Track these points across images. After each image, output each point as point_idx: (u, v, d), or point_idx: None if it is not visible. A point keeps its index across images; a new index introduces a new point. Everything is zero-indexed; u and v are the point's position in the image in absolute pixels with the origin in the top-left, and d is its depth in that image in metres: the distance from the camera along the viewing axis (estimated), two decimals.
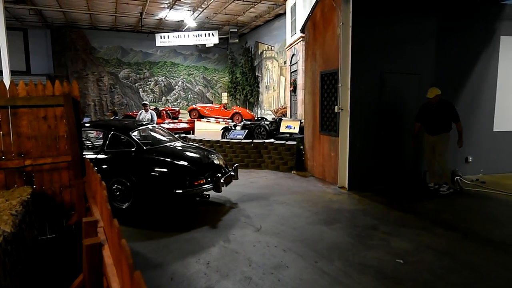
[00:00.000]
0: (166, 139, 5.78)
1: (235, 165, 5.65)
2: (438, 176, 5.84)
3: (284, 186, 6.34)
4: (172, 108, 19.47)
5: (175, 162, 4.84)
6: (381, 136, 6.09)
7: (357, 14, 5.64)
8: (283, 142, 7.94)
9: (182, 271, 3.21)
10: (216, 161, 5.30)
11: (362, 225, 4.32)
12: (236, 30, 19.37)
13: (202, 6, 15.69)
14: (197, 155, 5.21)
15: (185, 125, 13.85)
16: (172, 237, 4.02)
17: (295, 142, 7.71)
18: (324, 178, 6.70)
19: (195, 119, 16.08)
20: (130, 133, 5.17)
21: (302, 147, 7.72)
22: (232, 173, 5.41)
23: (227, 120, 16.61)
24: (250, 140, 8.36)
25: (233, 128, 10.43)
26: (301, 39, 11.42)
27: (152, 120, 9.22)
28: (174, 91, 22.87)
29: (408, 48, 6.13)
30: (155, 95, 22.33)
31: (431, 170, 5.93)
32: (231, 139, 8.69)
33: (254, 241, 3.85)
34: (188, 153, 5.25)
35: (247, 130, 9.25)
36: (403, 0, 6.04)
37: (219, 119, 17.21)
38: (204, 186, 4.80)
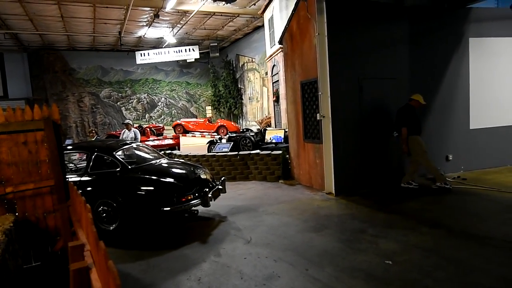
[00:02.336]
0: (151, 157, 5.75)
1: (222, 179, 5.66)
2: (413, 174, 6.11)
3: (272, 196, 6.37)
4: (156, 125, 19.34)
5: (161, 179, 4.82)
6: (363, 141, 6.23)
7: (332, 24, 5.82)
8: (269, 152, 8.00)
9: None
10: (203, 176, 5.30)
11: (351, 229, 4.39)
12: (216, 44, 19.55)
13: (181, 22, 15.83)
14: (183, 171, 5.20)
15: (170, 141, 13.77)
16: (162, 256, 3.97)
17: (280, 152, 7.78)
18: (311, 185, 6.77)
19: (180, 135, 16.01)
20: (114, 153, 5.13)
21: (288, 156, 7.80)
22: (220, 187, 5.42)
23: (213, 134, 16.59)
24: (236, 152, 8.39)
25: (218, 141, 10.44)
26: (280, 50, 11.63)
27: (135, 139, 9.14)
28: (157, 108, 22.76)
29: (383, 54, 6.35)
30: (138, 112, 22.16)
31: (434, 166, 5.99)
32: (217, 152, 8.70)
33: (245, 253, 3.85)
34: (174, 170, 5.23)
35: (232, 143, 9.27)
36: (375, 8, 6.28)
37: (204, 133, 17.17)
38: (192, 202, 4.78)
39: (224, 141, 10.36)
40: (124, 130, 9.59)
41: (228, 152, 8.60)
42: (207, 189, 5.00)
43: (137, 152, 5.90)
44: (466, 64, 7.04)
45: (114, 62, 21.34)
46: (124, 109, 21.83)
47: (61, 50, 19.68)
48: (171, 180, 4.84)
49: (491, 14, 7.24)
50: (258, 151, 8.32)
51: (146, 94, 22.40)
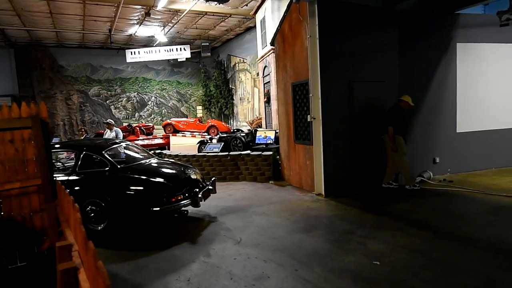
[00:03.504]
0: (141, 156, 5.70)
1: (212, 179, 5.65)
2: (391, 175, 6.30)
3: (262, 197, 6.38)
4: (146, 124, 19.14)
5: (151, 179, 4.79)
6: (353, 143, 6.30)
7: (324, 27, 5.87)
8: (260, 153, 8.02)
9: None
10: (193, 176, 5.28)
11: (340, 230, 4.43)
12: (208, 44, 19.48)
13: (172, 21, 15.72)
14: (174, 171, 5.17)
15: (160, 141, 13.66)
16: (151, 256, 3.94)
17: (271, 153, 7.80)
18: (302, 187, 6.80)
19: (170, 134, 15.89)
20: (103, 152, 5.06)
21: (278, 157, 7.83)
22: (210, 187, 5.40)
23: (203, 134, 16.53)
24: (227, 153, 8.38)
25: (209, 141, 10.41)
26: (272, 51, 11.65)
27: (117, 138, 9.02)
28: (147, 107, 22.55)
29: (373, 57, 6.43)
30: (127, 111, 21.91)
31: (409, 170, 6.16)
32: (208, 152, 8.67)
33: (235, 254, 3.85)
34: (164, 170, 5.20)
35: (223, 143, 9.26)
36: (366, 12, 6.35)
37: (194, 133, 17.09)
38: (182, 202, 4.76)
39: (214, 141, 10.33)
40: (106, 130, 9.44)
41: (218, 152, 8.58)
42: (197, 190, 4.98)
43: (126, 151, 5.84)
44: (454, 68, 7.19)
45: (103, 60, 21.06)
46: (113, 107, 21.56)
47: (49, 47, 19.32)
48: (161, 180, 4.81)
49: (478, 20, 7.41)
50: (248, 151, 8.33)
51: (136, 93, 22.17)
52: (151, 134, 16.76)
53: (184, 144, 14.93)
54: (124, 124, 18.83)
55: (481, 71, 7.37)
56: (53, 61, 19.69)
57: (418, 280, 3.08)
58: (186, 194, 4.87)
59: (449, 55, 7.11)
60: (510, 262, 3.35)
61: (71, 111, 20.22)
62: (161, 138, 14.07)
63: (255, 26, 15.33)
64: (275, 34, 7.62)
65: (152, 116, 22.54)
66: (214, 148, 8.96)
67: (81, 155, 4.99)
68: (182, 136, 17.18)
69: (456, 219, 4.68)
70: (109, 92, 21.43)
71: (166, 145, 13.23)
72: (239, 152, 8.33)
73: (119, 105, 21.72)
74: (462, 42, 7.17)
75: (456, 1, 7.21)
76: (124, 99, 21.84)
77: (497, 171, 7.28)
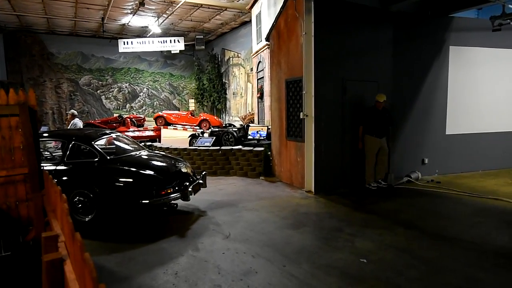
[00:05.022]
0: (131, 148, 5.63)
1: (203, 173, 5.62)
2: (375, 175, 6.34)
3: (252, 192, 6.39)
4: (137, 116, 18.96)
5: (141, 171, 4.74)
6: (344, 141, 6.34)
7: (319, 24, 5.87)
8: (251, 148, 8.01)
9: (150, 283, 3.14)
10: (183, 169, 5.25)
11: (328, 227, 4.47)
12: (202, 36, 19.31)
13: (167, 12, 15.52)
14: (164, 164, 5.13)
15: (151, 133, 13.51)
16: (139, 249, 3.92)
17: (262, 148, 7.80)
18: (292, 183, 6.83)
19: (162, 127, 15.76)
20: (93, 142, 4.99)
21: (269, 153, 7.83)
22: (201, 181, 5.38)
23: (195, 127, 16.45)
24: (218, 147, 8.35)
25: (200, 135, 10.35)
26: (266, 46, 11.62)
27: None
28: (139, 98, 22.31)
29: (367, 57, 6.46)
30: (118, 102, 21.65)
31: (371, 171, 6.30)
32: (199, 146, 8.63)
33: (223, 249, 3.86)
34: (154, 162, 5.15)
35: (214, 137, 9.22)
36: (361, 11, 6.37)
37: (186, 126, 17.00)
38: (172, 196, 4.73)
39: (206, 135, 10.28)
40: (73, 120, 9.23)
41: (210, 146, 8.55)
42: (187, 183, 4.96)
43: (116, 142, 5.77)
44: (446, 71, 7.27)
45: (95, 49, 20.71)
46: (104, 97, 21.27)
47: (39, 33, 18.91)
48: (151, 172, 4.77)
49: (471, 24, 7.50)
50: (240, 147, 8.32)
51: (127, 84, 21.90)
52: (142, 126, 16.60)
53: (175, 137, 14.83)
54: (115, 115, 18.61)
55: (472, 75, 7.48)
56: (43, 48, 19.30)
57: (403, 278, 3.13)
58: (176, 188, 4.84)
59: (442, 57, 7.19)
60: (493, 262, 3.42)
61: (61, 99, 19.89)
62: (152, 130, 13.92)
63: (250, 21, 15.25)
64: (270, 30, 7.59)
65: (144, 107, 22.32)
66: (206, 142, 8.92)
67: (70, 145, 4.91)
68: (174, 129, 17.07)
69: (442, 219, 4.77)
70: (100, 82, 21.12)
71: (157, 138, 13.10)
72: (231, 147, 8.31)
73: (110, 96, 21.44)
74: (455, 45, 7.25)
75: (450, 5, 7.28)
76: (116, 89, 21.56)
77: (483, 174, 7.42)
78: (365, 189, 6.28)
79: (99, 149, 4.95)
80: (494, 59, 7.55)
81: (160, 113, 18.87)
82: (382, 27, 6.58)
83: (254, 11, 14.10)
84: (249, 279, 3.16)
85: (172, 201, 4.93)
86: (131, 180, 4.64)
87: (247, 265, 3.43)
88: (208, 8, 15.23)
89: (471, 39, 7.36)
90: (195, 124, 17.08)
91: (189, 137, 10.58)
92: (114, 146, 5.45)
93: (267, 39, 7.99)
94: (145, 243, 4.07)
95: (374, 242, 3.95)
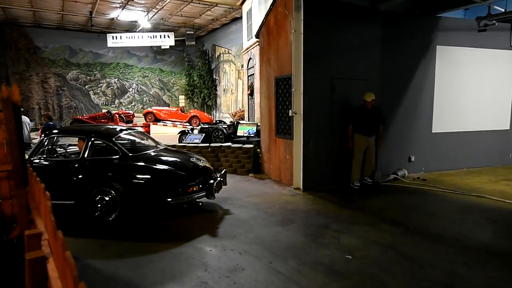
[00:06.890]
0: (151, 144, 5.59)
1: (223, 171, 5.61)
2: (362, 173, 6.43)
3: (241, 189, 6.40)
4: (126, 112, 18.75)
5: (169, 169, 4.70)
6: (333, 139, 6.40)
7: (308, 22, 5.88)
8: (241, 145, 8.01)
9: (136, 280, 3.14)
10: (207, 166, 5.28)
11: (316, 224, 4.51)
12: (192, 32, 19.15)
13: (157, 7, 15.35)
14: (188, 161, 5.07)
15: (140, 129, 13.39)
16: (126, 246, 3.90)
17: (252, 146, 7.81)
18: (281, 180, 6.87)
19: (151, 123, 15.62)
20: (114, 139, 4.89)
21: (259, 150, 7.85)
22: (221, 179, 5.33)
23: (185, 124, 16.34)
24: (208, 144, 8.33)
25: (190, 132, 10.31)
26: (257, 43, 11.59)
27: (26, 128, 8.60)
28: (128, 94, 22.05)
29: (356, 55, 6.51)
30: (107, 97, 21.36)
31: (357, 169, 6.37)
32: (188, 143, 8.60)
33: (211, 245, 3.87)
34: (178, 159, 5.08)
35: (204, 134, 9.19)
36: (351, 10, 6.40)
37: (176, 123, 16.87)
38: (198, 194, 4.74)
39: (196, 132, 10.24)
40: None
41: (199, 143, 8.52)
42: (211, 181, 4.95)
43: (135, 139, 5.67)
44: (432, 70, 7.38)
45: (83, 43, 20.36)
46: (92, 93, 20.96)
47: (25, 27, 18.49)
48: (178, 170, 4.74)
49: (458, 24, 7.62)
50: (229, 144, 8.31)
51: (116, 79, 21.61)
52: (131, 122, 16.44)
53: (164, 133, 14.73)
54: (104, 111, 18.37)
55: (458, 74, 7.61)
56: (30, 41, 18.90)
57: (387, 274, 3.19)
58: (200, 185, 4.83)
59: (429, 57, 7.29)
60: (474, 259, 3.52)
61: (48, 94, 19.53)
62: (141, 126, 13.81)
63: (241, 17, 15.18)
64: (260, 27, 7.58)
65: (133, 103, 22.09)
66: (195, 139, 8.88)
67: (90, 142, 4.79)
68: (163, 125, 16.93)
69: (426, 216, 4.86)
70: (88, 77, 20.80)
71: None
72: (220, 144, 8.30)
73: (99, 91, 21.14)
74: (441, 45, 7.36)
75: (438, 4, 7.38)
76: (104, 84, 21.27)
77: (468, 171, 7.58)
78: (359, 187, 6.34)
79: (121, 146, 4.85)
80: (480, 59, 7.69)
81: (149, 109, 18.66)
82: (371, 26, 6.64)
83: (245, 7, 14.04)
84: (235, 275, 3.18)
85: (197, 199, 4.89)
86: (157, 177, 4.58)
87: (234, 262, 3.45)
88: (199, 3, 15.10)
89: (457, 39, 7.48)
90: (185, 121, 16.97)
91: (178, 133, 10.53)
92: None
93: (257, 36, 7.99)
94: (133, 241, 4.05)
95: (360, 238, 4.02)
